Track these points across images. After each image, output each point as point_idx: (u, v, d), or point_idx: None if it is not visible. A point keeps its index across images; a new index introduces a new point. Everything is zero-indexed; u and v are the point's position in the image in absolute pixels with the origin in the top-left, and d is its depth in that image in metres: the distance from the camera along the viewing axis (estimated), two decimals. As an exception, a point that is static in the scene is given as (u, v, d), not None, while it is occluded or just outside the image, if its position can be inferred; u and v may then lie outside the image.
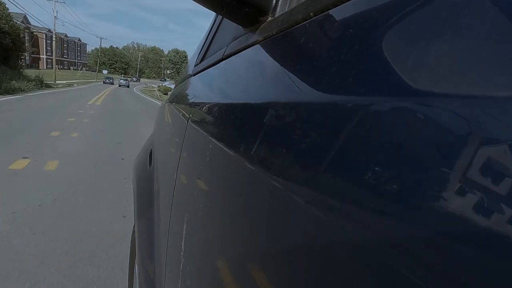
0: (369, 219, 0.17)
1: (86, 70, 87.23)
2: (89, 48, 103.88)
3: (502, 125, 0.12)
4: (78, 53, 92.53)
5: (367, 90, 0.20)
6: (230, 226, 0.35)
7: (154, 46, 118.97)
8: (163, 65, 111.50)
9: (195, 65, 0.96)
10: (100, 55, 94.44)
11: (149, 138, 1.41)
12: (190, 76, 1.00)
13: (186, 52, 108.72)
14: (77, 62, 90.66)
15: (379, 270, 0.15)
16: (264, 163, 0.29)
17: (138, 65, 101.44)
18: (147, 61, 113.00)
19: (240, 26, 0.53)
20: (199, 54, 0.97)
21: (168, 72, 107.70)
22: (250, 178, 0.33)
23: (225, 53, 0.61)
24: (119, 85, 39.55)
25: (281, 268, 0.24)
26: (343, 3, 0.28)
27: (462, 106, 0.14)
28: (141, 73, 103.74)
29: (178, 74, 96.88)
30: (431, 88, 0.16)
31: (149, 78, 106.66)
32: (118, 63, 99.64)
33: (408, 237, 0.14)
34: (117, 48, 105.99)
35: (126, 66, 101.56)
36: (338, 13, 0.28)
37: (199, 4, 0.48)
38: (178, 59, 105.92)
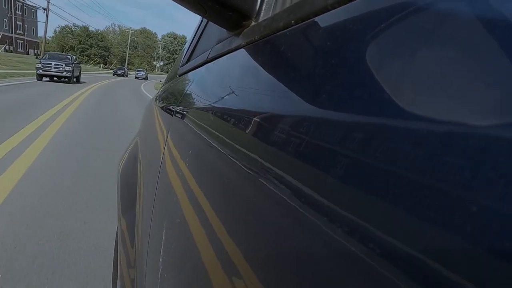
0: (354, 222, 0.16)
1: (37, 54, 43.73)
2: (50, 26, 63.97)
3: (489, 131, 0.12)
4: (20, 23, 48.02)
5: (344, 98, 0.21)
6: (209, 234, 0.35)
7: (144, 28, 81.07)
8: (156, 54, 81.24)
9: (181, 66, 0.95)
10: (68, 35, 63.92)
11: (135, 137, 1.39)
12: (176, 76, 0.99)
13: (186, 38, 68.37)
14: (19, 40, 46.90)
15: (375, 274, 0.15)
16: (244, 167, 0.29)
17: (128, 52, 68.54)
18: (135, 48, 77.92)
19: (225, 30, 0.52)
20: (185, 54, 0.96)
21: (160, 64, 79.82)
22: (228, 183, 0.33)
23: (209, 56, 0.61)
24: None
25: (262, 276, 0.24)
26: (324, 12, 0.28)
27: (447, 115, 0.14)
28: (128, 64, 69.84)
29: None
30: (412, 96, 0.16)
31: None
32: (94, 49, 65.21)
33: (404, 242, 0.14)
34: (94, 31, 68.58)
35: (106, 53, 67.74)
36: (320, 21, 0.28)
37: (182, 6, 0.47)
38: (176, 46, 76.75)
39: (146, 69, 67.39)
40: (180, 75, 0.92)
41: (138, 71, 36.21)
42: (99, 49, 66.47)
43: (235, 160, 0.32)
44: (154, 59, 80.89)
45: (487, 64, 0.13)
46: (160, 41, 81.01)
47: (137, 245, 0.71)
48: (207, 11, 0.46)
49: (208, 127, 0.45)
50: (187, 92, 0.71)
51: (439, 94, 0.14)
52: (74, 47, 64.46)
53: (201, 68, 0.67)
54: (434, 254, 0.12)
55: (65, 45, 63.91)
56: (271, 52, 0.36)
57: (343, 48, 0.23)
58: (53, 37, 66.92)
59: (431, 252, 0.12)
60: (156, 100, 1.14)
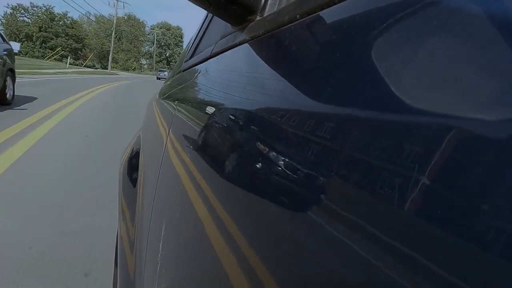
0: (352, 220, 0.16)
1: None
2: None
3: (495, 129, 0.12)
4: None
5: (349, 93, 0.20)
6: (208, 230, 0.34)
7: (129, 14, 57.79)
8: (145, 48, 60.53)
9: (185, 61, 0.95)
10: (23, 18, 43.72)
11: (138, 132, 1.39)
12: (180, 72, 0.98)
13: (182, 30, 59.16)
14: None
15: (378, 274, 0.14)
16: (246, 163, 0.29)
17: (112, 44, 43.40)
18: (118, 39, 53.99)
19: (229, 24, 0.52)
20: (190, 50, 0.96)
21: (150, 62, 60.49)
22: (230, 179, 0.32)
23: (213, 51, 0.60)
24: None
25: (260, 271, 0.23)
26: (330, 6, 0.27)
27: (449, 110, 0.13)
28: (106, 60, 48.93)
29: (168, 66, 55.21)
30: (417, 91, 0.16)
31: (126, 70, 52.96)
32: (61, 39, 44.50)
33: (405, 243, 0.13)
34: (61, 14, 46.35)
35: (79, 45, 46.84)
36: (326, 16, 0.28)
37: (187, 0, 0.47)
38: (169, 39, 59.27)
39: (135, 68, 54.29)
40: (184, 71, 0.91)
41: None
42: (68, 38, 45.09)
43: (237, 156, 0.32)
44: (142, 55, 60.93)
45: (496, 60, 0.13)
46: (149, 33, 60.84)
47: (137, 239, 0.71)
48: (212, 5, 0.45)
49: (210, 122, 0.44)
50: (190, 87, 0.71)
51: (449, 91, 0.14)
52: (32, 35, 43.50)
53: (204, 63, 0.67)
54: (441, 255, 0.12)
55: (18, 33, 43.16)
56: (275, 47, 0.35)
57: (349, 43, 0.23)
58: (2, 22, 44.43)
59: (441, 254, 0.12)
60: (159, 95, 1.14)
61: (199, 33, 0.91)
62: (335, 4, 0.26)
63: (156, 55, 60.76)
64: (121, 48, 55.01)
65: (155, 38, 59.41)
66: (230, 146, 0.34)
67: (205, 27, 0.83)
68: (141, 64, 60.43)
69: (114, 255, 1.20)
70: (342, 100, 0.21)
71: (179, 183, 0.49)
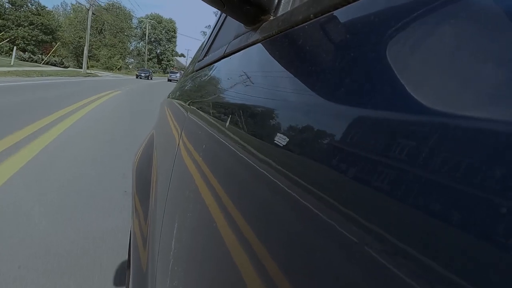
0: (361, 221, 0.16)
1: None
2: None
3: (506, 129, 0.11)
4: None
5: (362, 93, 0.20)
6: (219, 228, 0.34)
7: (113, 3, 44.88)
8: (133, 44, 49.25)
9: (198, 61, 0.96)
10: None
11: (151, 130, 1.41)
12: (193, 71, 0.99)
13: (175, 23, 50.29)
14: None
15: (380, 272, 0.14)
16: (258, 163, 0.29)
17: (88, 36, 25.35)
18: (100, 32, 43.99)
19: (242, 24, 0.52)
20: (203, 49, 0.96)
21: (134, 60, 49.52)
22: (242, 179, 0.32)
23: (227, 51, 0.61)
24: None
25: (272, 270, 0.23)
26: (344, 6, 0.27)
27: (463, 109, 0.13)
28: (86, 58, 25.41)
29: (159, 65, 48.61)
30: (434, 91, 0.15)
31: (110, 69, 42.25)
32: (23, 28, 35.67)
33: (407, 240, 0.14)
34: None
35: (49, 38, 37.55)
36: (340, 15, 0.27)
37: (200, 0, 0.47)
38: (160, 33, 49.37)
39: (120, 67, 43.39)
40: (197, 70, 0.92)
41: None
42: (33, 28, 35.76)
43: (249, 157, 0.32)
44: (129, 53, 48.74)
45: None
46: (136, 27, 49.28)
47: (150, 236, 0.72)
48: (226, 5, 0.45)
49: (223, 122, 0.45)
50: (203, 87, 0.72)
51: (469, 91, 0.14)
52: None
53: (218, 63, 0.67)
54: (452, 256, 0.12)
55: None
56: (289, 46, 0.35)
57: (363, 42, 0.23)
58: None
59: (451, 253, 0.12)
60: (172, 95, 1.15)
61: (212, 33, 0.91)
62: (349, 3, 0.26)
63: (147, 52, 50.30)
64: (103, 42, 43.67)
65: (147, 29, 48.45)
66: (242, 146, 0.34)
67: (219, 27, 0.84)
68: (127, 62, 48.78)
69: (127, 256, 1.22)
70: (356, 100, 0.21)
71: (192, 183, 0.49)
